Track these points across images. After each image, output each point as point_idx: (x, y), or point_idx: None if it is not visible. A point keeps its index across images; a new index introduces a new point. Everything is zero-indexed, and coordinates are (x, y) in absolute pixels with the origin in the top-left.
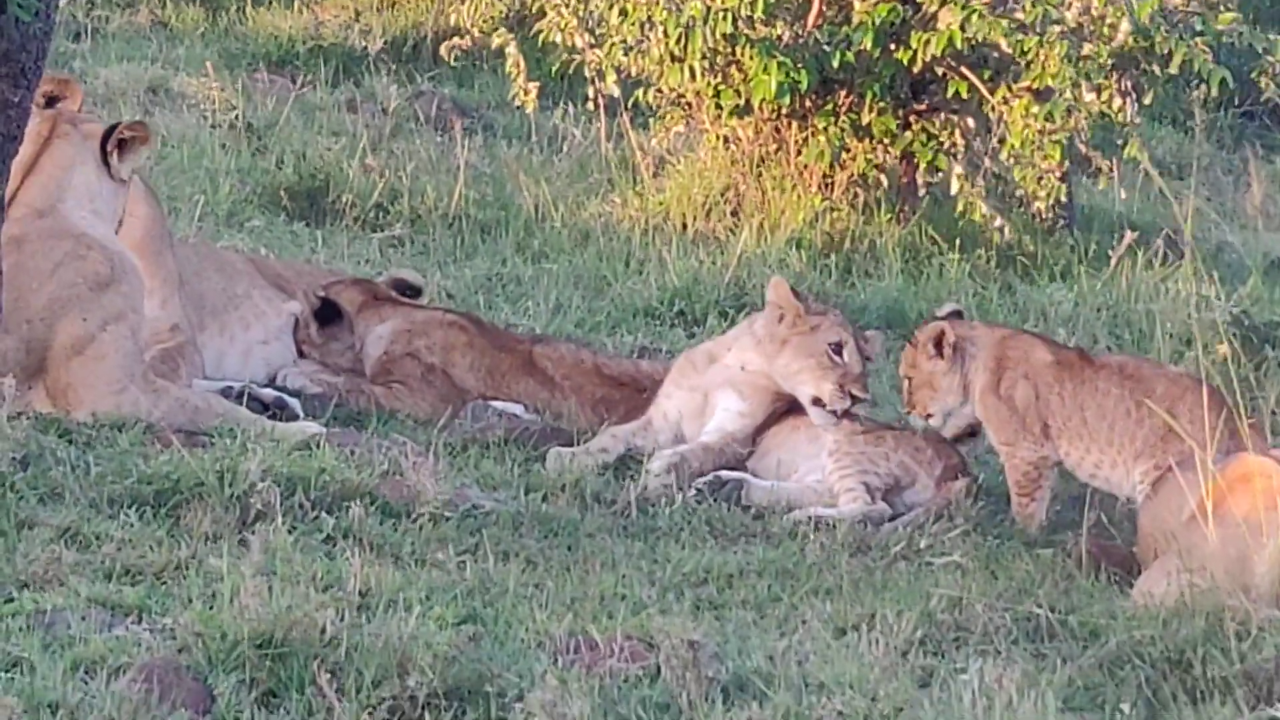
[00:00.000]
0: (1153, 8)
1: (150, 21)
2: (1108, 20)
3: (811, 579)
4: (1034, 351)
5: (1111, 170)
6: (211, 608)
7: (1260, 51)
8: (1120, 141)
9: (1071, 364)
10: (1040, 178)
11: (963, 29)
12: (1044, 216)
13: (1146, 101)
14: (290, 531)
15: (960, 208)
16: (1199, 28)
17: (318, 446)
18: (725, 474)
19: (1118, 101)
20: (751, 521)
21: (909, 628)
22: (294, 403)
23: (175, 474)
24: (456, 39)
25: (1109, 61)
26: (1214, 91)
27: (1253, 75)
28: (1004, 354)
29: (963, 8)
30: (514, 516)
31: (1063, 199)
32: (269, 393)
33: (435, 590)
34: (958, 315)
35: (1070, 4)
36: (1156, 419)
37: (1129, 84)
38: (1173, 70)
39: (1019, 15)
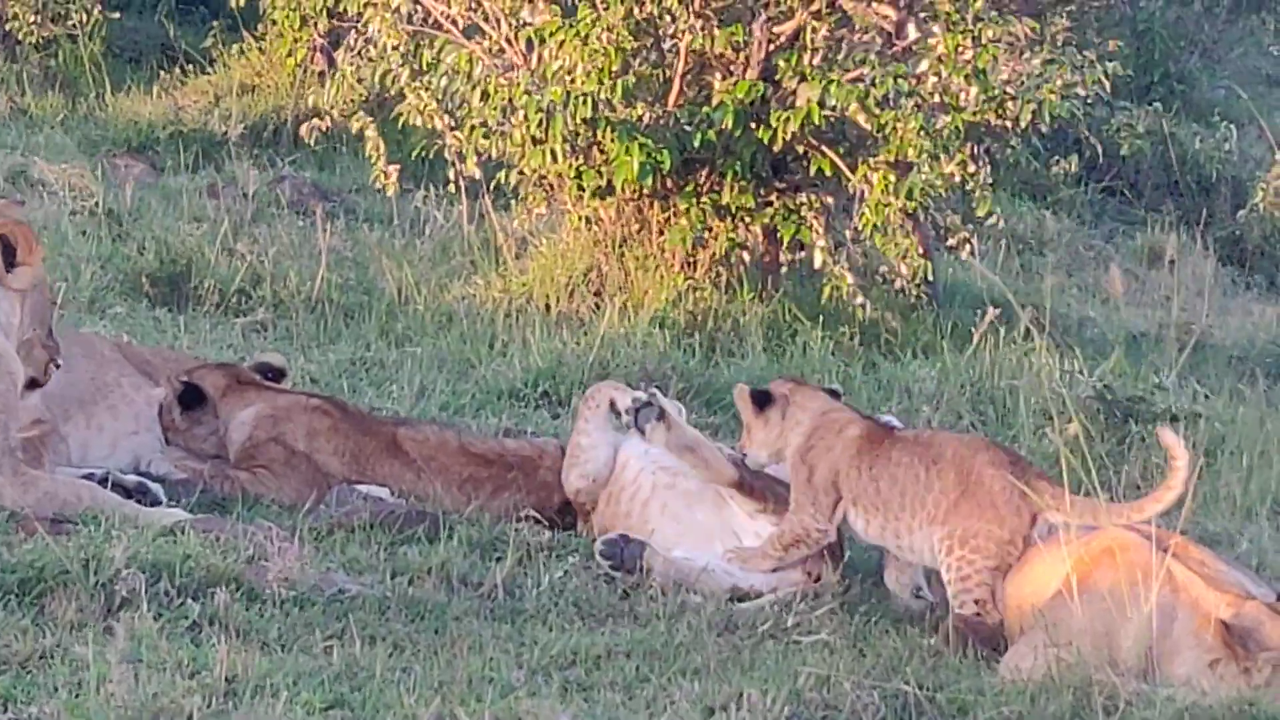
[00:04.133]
0: (1009, 72)
1: (9, 109)
2: (958, 89)
3: (679, 659)
4: (847, 428)
5: (971, 240)
6: (77, 696)
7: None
8: (973, 206)
9: (874, 438)
10: (904, 254)
11: (821, 103)
12: (907, 292)
13: (1002, 167)
14: (156, 618)
15: (825, 284)
16: (1049, 80)
17: (182, 532)
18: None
19: (972, 167)
20: (619, 601)
21: (777, 707)
22: (156, 488)
23: (39, 562)
24: (316, 120)
25: (962, 129)
26: (1061, 116)
27: (1114, 149)
28: (820, 424)
29: (820, 81)
30: (380, 600)
31: (927, 275)
32: (131, 479)
33: (302, 675)
34: (834, 394)
35: (924, 77)
36: (946, 484)
37: (982, 150)
38: (1022, 124)
39: (873, 89)
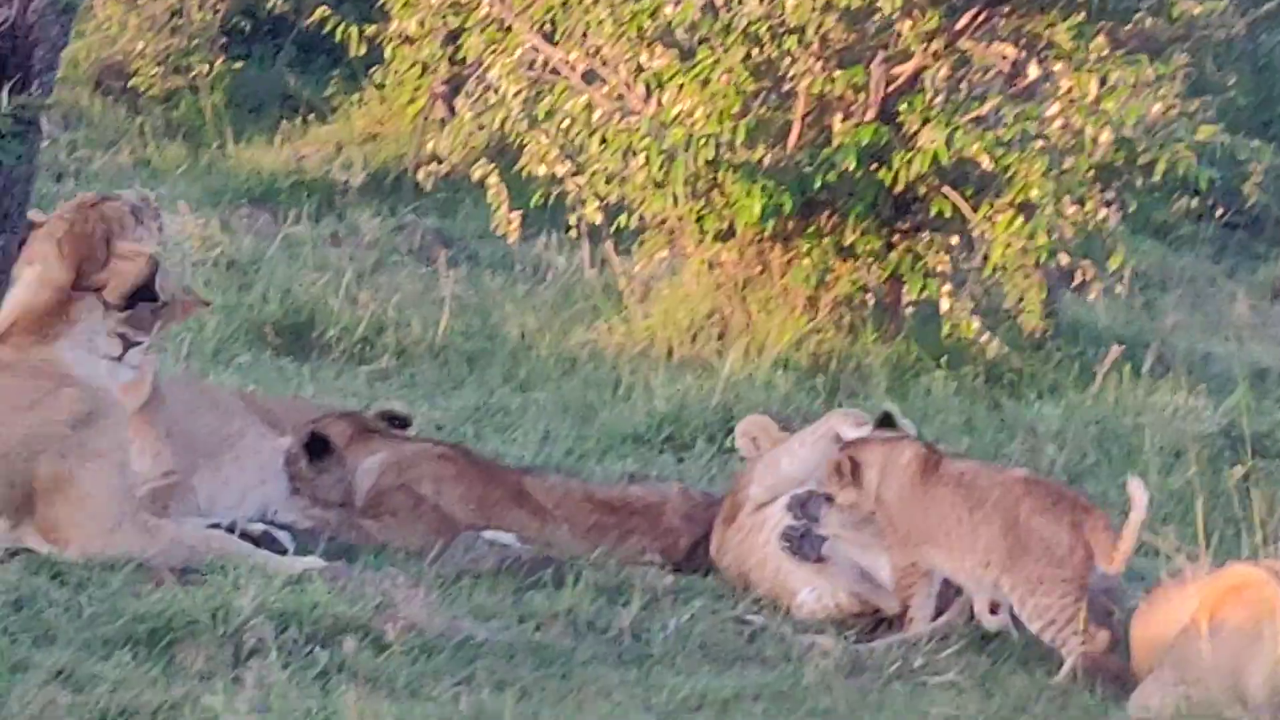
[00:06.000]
0: (1138, 115)
1: (132, 161)
2: (1088, 134)
3: (807, 701)
4: (902, 454)
5: (1096, 279)
6: None
7: (1241, 160)
8: (1105, 254)
9: (925, 466)
10: (1031, 295)
11: (947, 145)
12: (1032, 332)
13: (1130, 211)
14: (284, 667)
15: (948, 326)
16: (1180, 135)
17: (310, 580)
18: None
19: (1102, 213)
20: (746, 645)
21: None
22: (283, 536)
23: (168, 612)
24: (434, 164)
25: (1090, 174)
26: (1203, 186)
27: (1236, 184)
28: (884, 462)
29: (946, 125)
30: (507, 646)
31: (1053, 315)
32: (258, 527)
33: None
34: (888, 420)
35: (1052, 120)
36: (993, 530)
37: (1111, 195)
38: (1156, 178)
39: (1000, 132)
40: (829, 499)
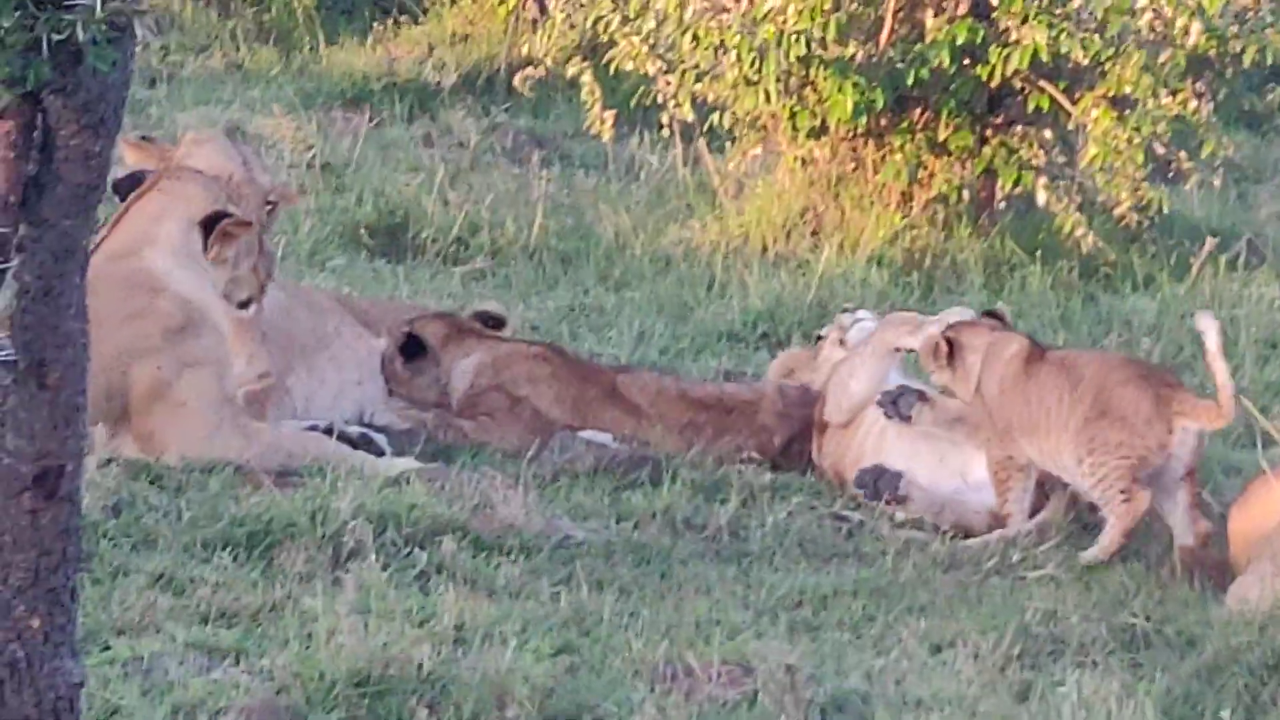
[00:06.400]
0: (1220, 4)
1: (225, 64)
2: (1179, 24)
3: (905, 597)
4: (1006, 348)
5: (1190, 171)
6: (308, 648)
7: None
8: (1197, 143)
9: (1029, 359)
10: (1135, 187)
11: (1050, 45)
12: (1129, 224)
13: (1221, 101)
14: (384, 569)
15: (1051, 220)
16: (1270, 21)
17: (408, 482)
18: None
19: (1193, 104)
20: (844, 541)
21: (1005, 642)
22: (380, 439)
23: (267, 515)
24: (530, 69)
25: (1183, 65)
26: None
27: None
28: (986, 355)
29: (1047, 24)
30: (606, 546)
31: (1161, 207)
32: (355, 430)
33: (530, 622)
34: (995, 316)
35: (1143, 12)
36: (1085, 405)
37: (1204, 86)
38: (1245, 65)
39: (1092, 27)
40: (921, 395)
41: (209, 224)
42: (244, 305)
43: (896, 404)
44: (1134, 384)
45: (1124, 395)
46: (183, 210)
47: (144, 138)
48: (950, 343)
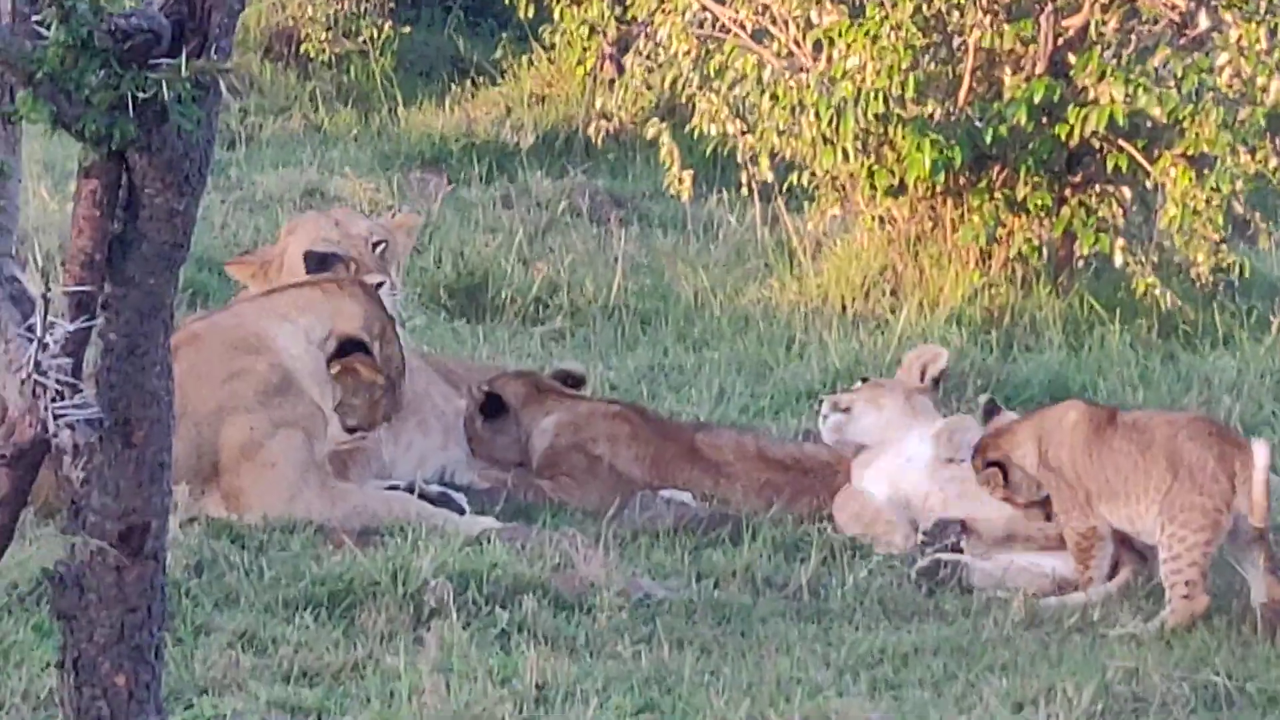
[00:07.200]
0: None
1: (303, 126)
2: (1258, 83)
3: (986, 655)
4: (1066, 416)
5: (1268, 230)
6: (390, 707)
7: None
8: (1276, 201)
9: (1096, 424)
10: (1214, 249)
11: (1126, 102)
12: (1206, 283)
13: None
14: (465, 627)
15: (1129, 282)
16: None
17: (489, 541)
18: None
19: (1274, 161)
20: (924, 599)
21: (1087, 700)
22: (459, 498)
23: (348, 574)
24: (603, 121)
25: (1262, 123)
26: None
27: None
28: (1041, 431)
29: (1125, 81)
30: (687, 604)
31: (1242, 270)
32: (435, 489)
33: (612, 681)
34: (993, 409)
35: (1222, 70)
36: (1160, 467)
37: None
38: None
39: (1172, 85)
40: (963, 526)
41: (344, 348)
42: (351, 430)
43: (938, 539)
44: (1200, 441)
45: (1192, 453)
46: (329, 317)
47: (245, 253)
48: (999, 464)
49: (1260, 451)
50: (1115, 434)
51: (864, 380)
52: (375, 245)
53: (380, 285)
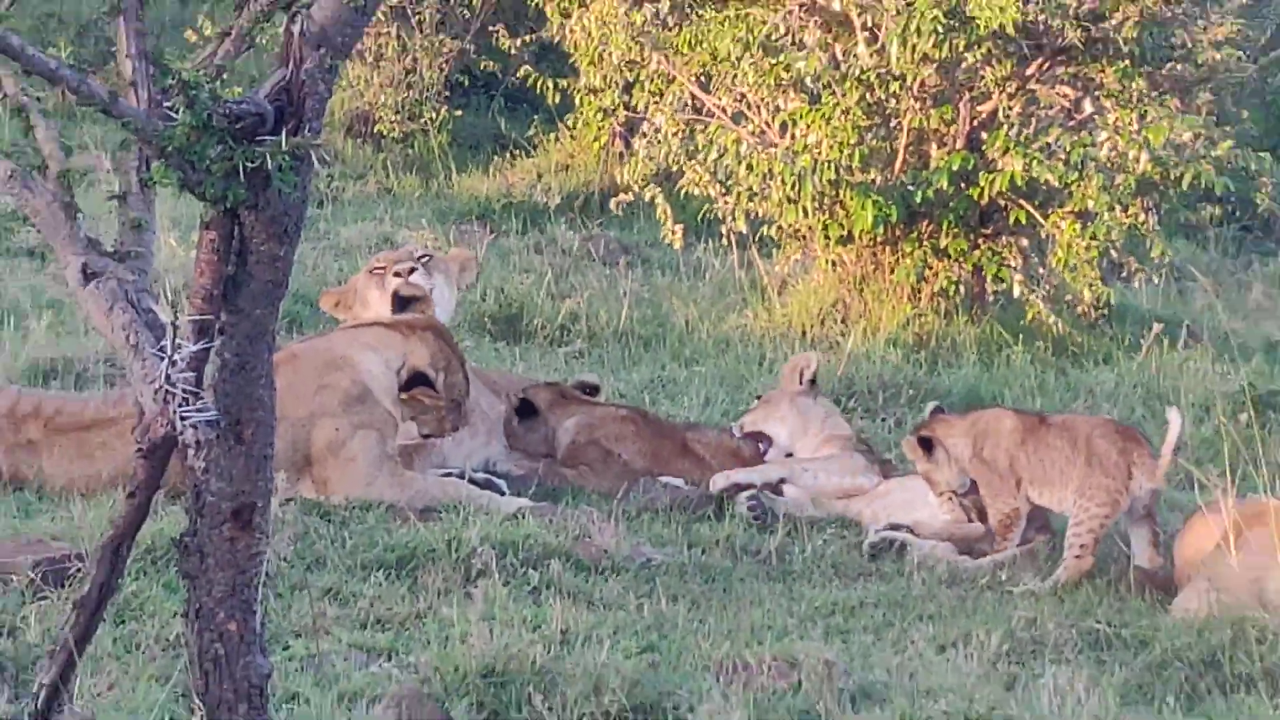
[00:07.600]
0: (1165, 136)
1: (377, 189)
2: (1131, 155)
3: (917, 607)
4: (1002, 421)
5: (1139, 271)
6: (445, 648)
7: (1254, 174)
8: (1146, 249)
9: (1029, 426)
10: (1090, 284)
11: (1024, 170)
12: (1089, 314)
13: (1165, 216)
14: (504, 585)
15: (1024, 311)
16: (1203, 153)
17: (524, 517)
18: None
19: (1143, 217)
20: (867, 563)
21: (996, 643)
22: (500, 483)
23: (412, 543)
24: (622, 195)
25: (1133, 187)
26: (1217, 191)
27: (1250, 194)
28: (976, 431)
29: (1022, 154)
30: (680, 567)
31: (1109, 301)
32: (481, 476)
33: (621, 628)
34: (940, 411)
35: (1102, 145)
36: (1081, 458)
37: (1150, 203)
38: (1184, 188)
39: (1062, 157)
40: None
41: (413, 380)
42: (425, 437)
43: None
44: (1107, 438)
45: (1101, 447)
46: (404, 354)
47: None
48: (927, 440)
49: (1174, 418)
50: (1049, 433)
51: (758, 399)
52: (420, 258)
53: (428, 290)
